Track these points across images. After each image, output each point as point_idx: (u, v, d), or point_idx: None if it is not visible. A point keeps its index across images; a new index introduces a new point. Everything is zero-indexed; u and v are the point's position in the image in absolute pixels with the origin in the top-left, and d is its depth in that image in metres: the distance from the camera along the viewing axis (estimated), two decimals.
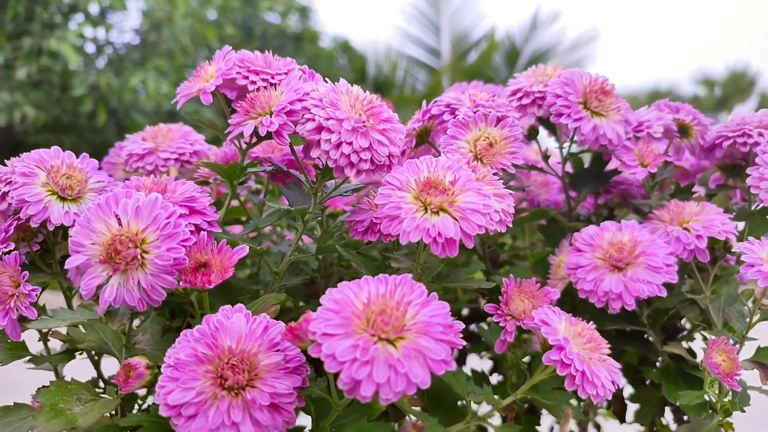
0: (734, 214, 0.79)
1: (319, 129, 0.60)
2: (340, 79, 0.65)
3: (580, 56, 10.97)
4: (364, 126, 0.60)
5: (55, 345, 0.75)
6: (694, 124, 0.81)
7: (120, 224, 0.54)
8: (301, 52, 10.10)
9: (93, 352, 0.74)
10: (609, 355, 0.66)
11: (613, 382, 0.63)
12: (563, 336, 0.62)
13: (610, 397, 0.62)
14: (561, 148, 0.81)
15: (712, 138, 0.81)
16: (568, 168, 0.87)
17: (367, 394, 0.45)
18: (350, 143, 0.60)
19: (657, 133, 0.77)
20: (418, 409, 0.65)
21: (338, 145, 0.60)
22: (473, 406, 0.68)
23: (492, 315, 0.70)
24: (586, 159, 0.87)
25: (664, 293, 0.68)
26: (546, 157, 0.82)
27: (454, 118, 0.72)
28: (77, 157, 0.70)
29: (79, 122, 7.25)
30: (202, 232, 0.58)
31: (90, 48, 7.36)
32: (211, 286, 0.55)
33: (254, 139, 0.68)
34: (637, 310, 0.79)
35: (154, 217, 0.54)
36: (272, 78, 0.67)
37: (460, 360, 1.02)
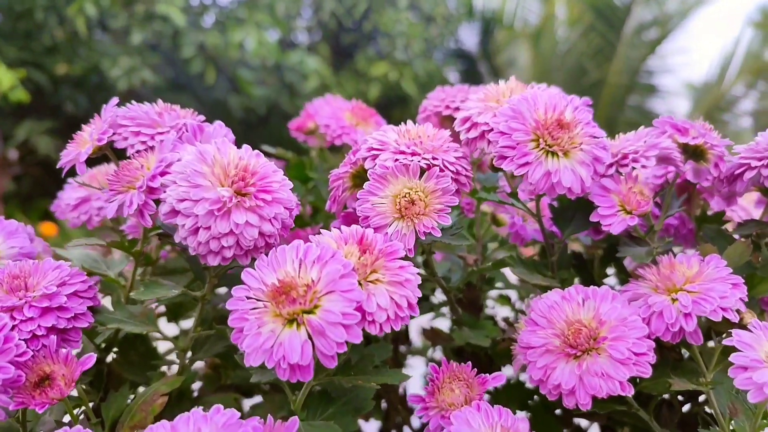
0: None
1: (174, 212, 0.51)
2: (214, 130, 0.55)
3: None
4: (225, 207, 0.51)
5: None
6: (707, 147, 0.62)
7: None
8: None
9: None
10: None
11: None
12: None
13: None
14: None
15: (732, 166, 0.61)
16: (551, 201, 0.71)
17: None
18: (208, 228, 0.50)
19: (647, 167, 0.59)
20: None
21: (195, 231, 0.51)
22: None
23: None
24: None
25: (629, 392, 0.53)
26: (515, 193, 0.67)
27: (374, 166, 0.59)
28: None
29: (192, 82, 7.64)
30: (51, 335, 0.52)
31: (196, 5, 7.57)
32: (45, 408, 0.49)
33: None
34: None
35: None
36: (152, 139, 0.59)
37: None
